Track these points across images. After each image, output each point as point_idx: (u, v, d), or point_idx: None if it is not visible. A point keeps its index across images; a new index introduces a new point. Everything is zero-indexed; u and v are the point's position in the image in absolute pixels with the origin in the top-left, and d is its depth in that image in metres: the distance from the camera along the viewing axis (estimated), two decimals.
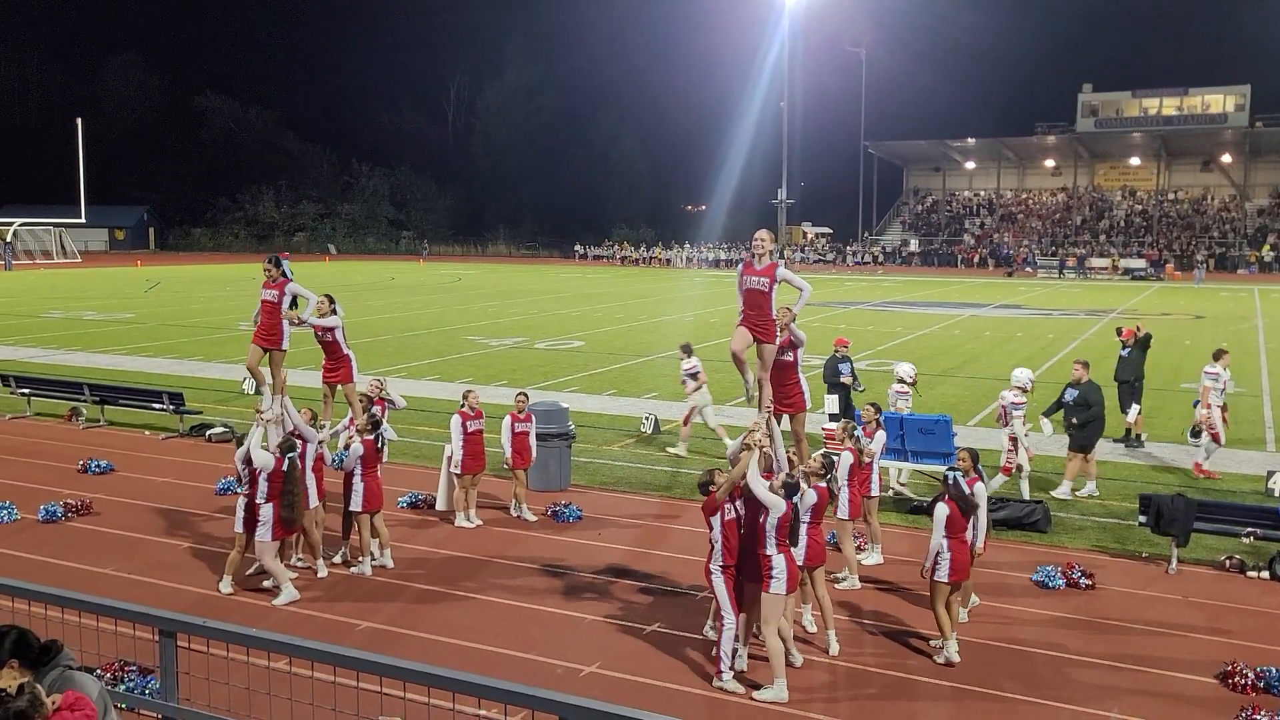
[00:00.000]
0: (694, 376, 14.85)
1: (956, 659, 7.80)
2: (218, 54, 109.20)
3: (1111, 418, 16.41)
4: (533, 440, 11.79)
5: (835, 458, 9.06)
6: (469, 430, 11.21)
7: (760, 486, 7.23)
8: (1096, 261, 67.64)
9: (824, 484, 8.23)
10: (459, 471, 11.23)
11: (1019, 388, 12.27)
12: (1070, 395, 12.77)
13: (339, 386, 10.81)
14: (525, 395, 12.03)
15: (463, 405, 11.38)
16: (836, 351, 14.31)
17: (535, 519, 11.47)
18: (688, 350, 15.17)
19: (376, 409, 10.85)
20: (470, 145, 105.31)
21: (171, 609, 5.57)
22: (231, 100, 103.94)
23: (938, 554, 7.82)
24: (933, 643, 8.06)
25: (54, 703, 3.75)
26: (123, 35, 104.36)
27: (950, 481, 8.02)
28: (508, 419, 11.71)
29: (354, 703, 4.81)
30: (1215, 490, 12.71)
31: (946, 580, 7.80)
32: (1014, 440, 12.01)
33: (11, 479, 12.97)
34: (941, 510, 7.89)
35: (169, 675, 4.85)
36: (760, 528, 7.27)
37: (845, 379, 13.93)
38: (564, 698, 3.84)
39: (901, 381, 13.33)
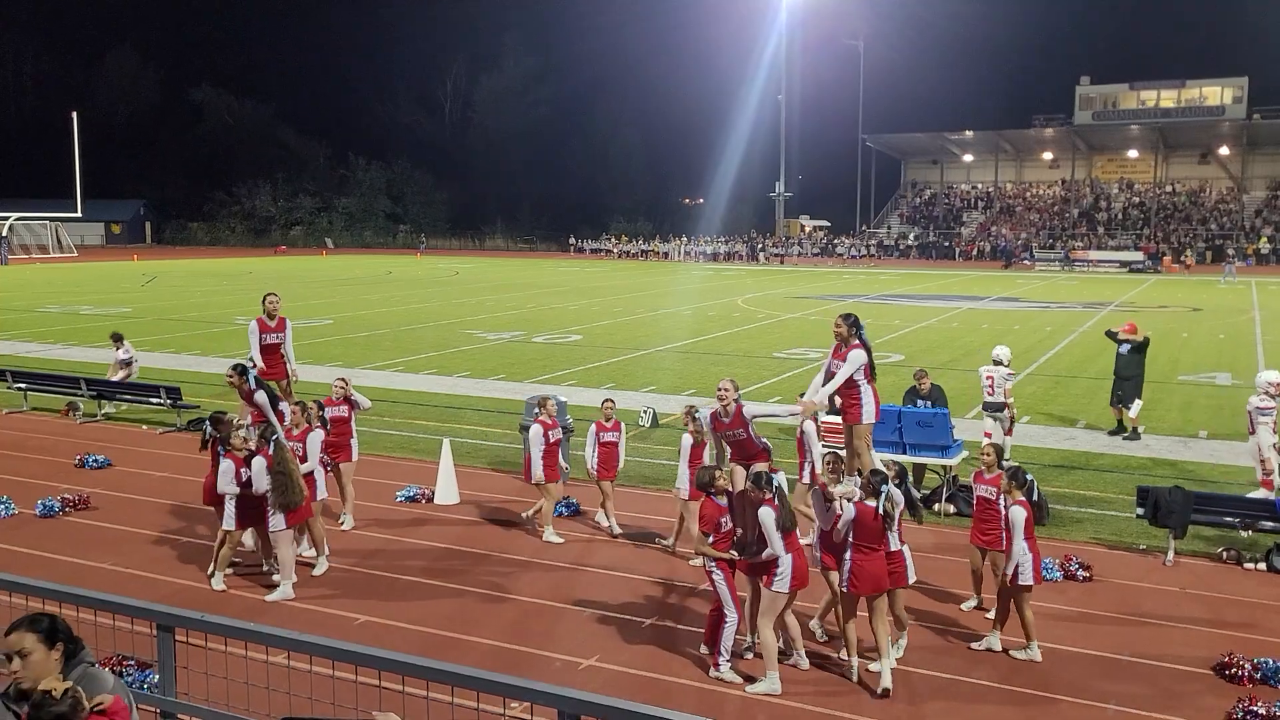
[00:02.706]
0: (127, 365, 17.23)
1: (1039, 658, 7.81)
2: (213, 47, 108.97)
3: (1107, 412, 16.46)
4: (622, 450, 10.90)
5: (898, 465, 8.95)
6: (550, 440, 10.46)
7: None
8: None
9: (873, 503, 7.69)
10: (540, 482, 10.48)
11: (1266, 392, 11.49)
12: (923, 407, 12.08)
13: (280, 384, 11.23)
14: (612, 402, 11.11)
15: (540, 414, 10.56)
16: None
17: (620, 532, 10.73)
18: (117, 339, 17.33)
19: (343, 409, 10.75)
20: (467, 138, 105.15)
21: (169, 603, 5.57)
22: (227, 93, 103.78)
23: (1020, 559, 7.72)
24: (1016, 654, 7.89)
25: (101, 704, 3.77)
26: (118, 28, 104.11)
27: (1025, 482, 7.92)
28: (593, 427, 10.77)
29: (353, 696, 4.81)
30: (1212, 482, 12.72)
31: (1032, 583, 7.74)
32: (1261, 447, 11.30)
33: (9, 474, 12.95)
34: (1019, 513, 7.73)
35: (168, 669, 4.85)
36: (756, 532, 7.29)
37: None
38: (563, 691, 3.84)
39: (998, 363, 13.51)
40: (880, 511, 7.22)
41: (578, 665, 7.64)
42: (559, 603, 8.88)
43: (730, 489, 7.62)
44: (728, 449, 9.16)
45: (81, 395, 16.57)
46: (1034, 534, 7.87)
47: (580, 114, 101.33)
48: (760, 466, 8.45)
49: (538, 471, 10.41)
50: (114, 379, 17.08)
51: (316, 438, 9.82)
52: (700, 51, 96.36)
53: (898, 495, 7.59)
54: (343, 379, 11.23)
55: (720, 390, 8.97)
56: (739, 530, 7.51)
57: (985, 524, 8.33)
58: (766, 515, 7.21)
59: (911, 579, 7.76)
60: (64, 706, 3.68)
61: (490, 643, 8.03)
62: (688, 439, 9.95)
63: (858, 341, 8.88)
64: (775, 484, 7.37)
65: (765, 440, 9.26)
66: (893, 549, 7.50)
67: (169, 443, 14.94)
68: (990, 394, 13.42)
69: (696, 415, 9.93)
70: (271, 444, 8.97)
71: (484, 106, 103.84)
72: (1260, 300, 39.55)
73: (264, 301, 12.01)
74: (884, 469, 8.00)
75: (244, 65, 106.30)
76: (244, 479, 8.99)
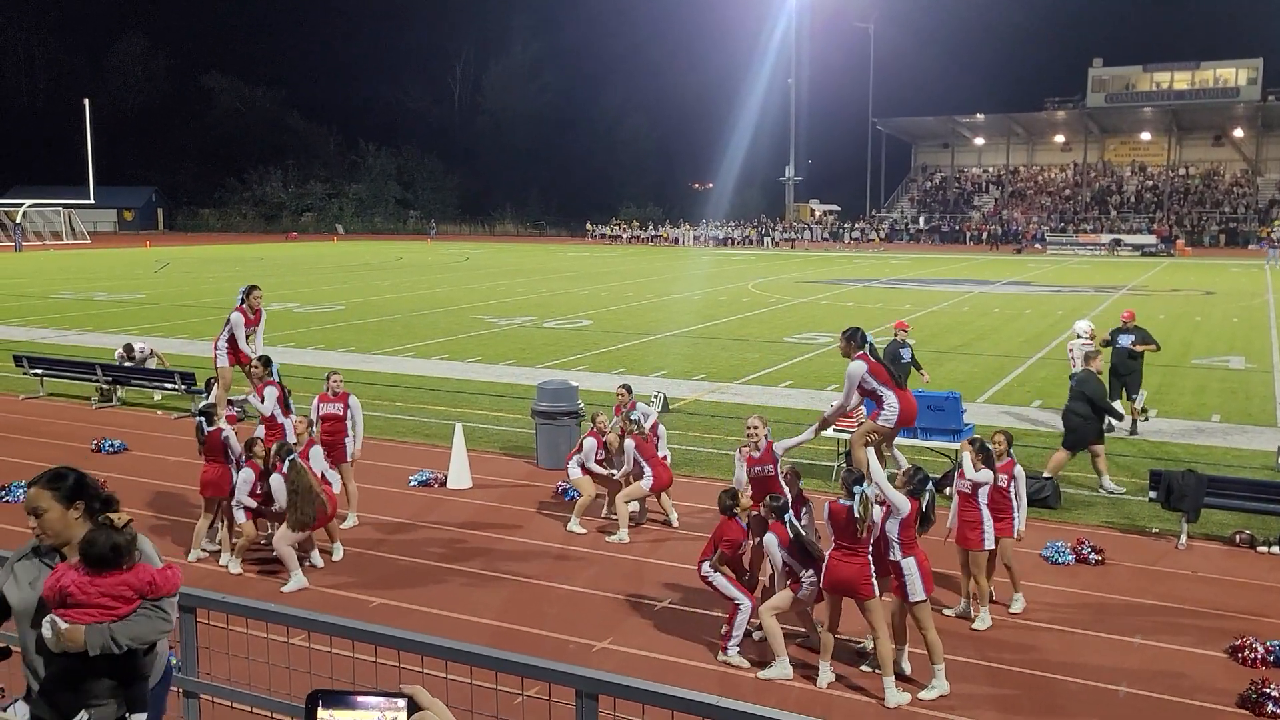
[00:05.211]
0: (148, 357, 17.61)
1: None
2: (223, 33, 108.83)
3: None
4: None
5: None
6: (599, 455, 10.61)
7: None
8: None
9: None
10: (604, 473, 10.54)
11: None
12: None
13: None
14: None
15: (593, 426, 10.73)
16: (896, 335, 14.77)
17: (678, 525, 10.61)
18: (128, 349, 17.48)
19: (338, 406, 10.57)
20: (476, 123, 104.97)
21: (189, 586, 5.63)
22: (237, 80, 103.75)
23: (984, 522, 8.17)
24: (977, 627, 8.18)
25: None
26: (129, 15, 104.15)
27: (987, 453, 8.24)
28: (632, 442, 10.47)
29: (372, 677, 4.87)
30: (1226, 466, 12.70)
31: (991, 548, 8.17)
32: None
33: (27, 458, 13.06)
34: (985, 475, 8.17)
35: (190, 650, 4.92)
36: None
37: (905, 362, 14.14)
38: (582, 670, 3.89)
39: (1079, 336, 14.59)
40: (856, 515, 6.87)
41: (591, 647, 7.70)
42: (572, 586, 8.95)
43: (751, 512, 7.79)
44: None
45: (96, 381, 16.69)
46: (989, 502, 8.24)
47: (589, 99, 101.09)
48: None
49: (589, 466, 10.53)
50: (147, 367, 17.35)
51: (318, 452, 9.80)
52: (709, 35, 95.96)
53: (899, 500, 7.08)
54: (339, 375, 10.90)
55: (750, 429, 8.77)
56: (748, 552, 7.75)
57: (989, 510, 8.34)
58: (770, 541, 7.43)
59: (915, 596, 7.03)
60: (122, 538, 3.71)
61: (504, 625, 8.10)
62: (631, 441, 10.23)
63: (860, 354, 8.82)
64: (788, 514, 7.44)
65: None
66: (891, 559, 7.08)
67: (183, 427, 15.02)
68: (1075, 365, 14.24)
69: (632, 416, 10.45)
70: (287, 462, 8.97)
71: (493, 92, 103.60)
72: (1274, 283, 39.33)
73: (249, 295, 11.88)
74: (858, 471, 7.41)
75: (253, 52, 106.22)
76: (259, 492, 9.13)
